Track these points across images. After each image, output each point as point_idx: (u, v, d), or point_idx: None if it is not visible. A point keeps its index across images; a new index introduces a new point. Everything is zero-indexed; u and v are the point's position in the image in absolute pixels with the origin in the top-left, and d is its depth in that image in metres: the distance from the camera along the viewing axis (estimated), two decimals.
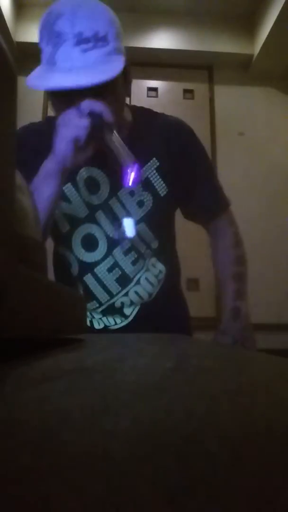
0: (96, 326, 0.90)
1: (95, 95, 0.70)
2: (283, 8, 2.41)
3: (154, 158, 0.85)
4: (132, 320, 0.90)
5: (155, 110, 0.94)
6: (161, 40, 2.84)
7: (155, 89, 2.90)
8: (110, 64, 0.71)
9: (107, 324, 0.90)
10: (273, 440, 0.11)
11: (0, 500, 0.08)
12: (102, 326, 0.90)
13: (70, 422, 0.13)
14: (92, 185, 0.84)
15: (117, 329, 0.90)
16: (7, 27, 2.55)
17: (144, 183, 0.84)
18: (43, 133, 0.82)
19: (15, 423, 0.12)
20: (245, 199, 2.83)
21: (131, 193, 0.84)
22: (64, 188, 0.82)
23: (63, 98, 0.74)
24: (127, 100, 0.85)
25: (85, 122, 0.68)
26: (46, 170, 0.72)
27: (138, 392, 0.17)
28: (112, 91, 0.75)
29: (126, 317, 0.90)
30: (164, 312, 0.93)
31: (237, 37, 2.90)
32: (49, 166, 0.72)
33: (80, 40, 0.69)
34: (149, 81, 2.89)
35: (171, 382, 0.19)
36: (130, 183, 0.71)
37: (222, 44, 2.89)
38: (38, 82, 0.74)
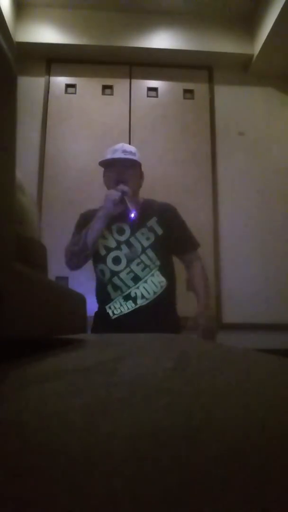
0: (116, 312, 1.53)
1: (125, 181, 1.53)
2: (283, 8, 2.41)
3: (154, 217, 1.59)
4: (138, 308, 1.50)
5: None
6: (161, 40, 2.84)
7: (155, 89, 2.90)
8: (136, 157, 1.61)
9: (123, 310, 1.52)
10: (273, 440, 0.11)
11: (1, 499, 0.08)
12: (118, 312, 1.52)
13: (70, 422, 0.13)
14: (120, 231, 1.58)
15: (127, 313, 1.50)
16: (7, 27, 2.55)
17: (149, 228, 1.57)
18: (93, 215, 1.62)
19: (15, 423, 0.12)
20: (244, 198, 2.83)
21: (142, 233, 1.56)
22: (103, 233, 1.56)
23: (112, 173, 1.57)
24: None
25: (118, 194, 1.49)
26: (98, 216, 1.52)
27: (138, 392, 0.17)
28: (133, 176, 1.58)
29: (136, 304, 1.51)
30: (160, 309, 1.53)
31: (237, 37, 2.90)
32: (100, 214, 1.52)
33: (125, 152, 1.59)
34: (149, 81, 2.88)
35: (171, 382, 0.19)
36: (132, 215, 1.49)
37: (222, 44, 2.89)
38: (106, 157, 1.60)
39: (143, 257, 1.55)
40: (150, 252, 1.56)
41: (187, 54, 2.87)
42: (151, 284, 1.54)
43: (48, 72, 2.88)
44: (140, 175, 1.67)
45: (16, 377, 0.20)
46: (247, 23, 2.90)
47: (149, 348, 0.37)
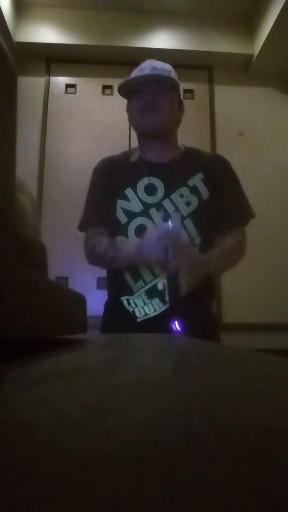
0: (138, 314, 1.08)
1: (155, 108, 1.09)
2: (283, 8, 2.41)
3: (200, 173, 1.13)
4: (168, 309, 1.04)
5: None
6: (161, 40, 2.84)
7: None
8: (168, 74, 1.15)
9: (148, 312, 1.07)
10: (273, 440, 0.11)
11: (0, 499, 0.08)
12: (143, 314, 1.07)
13: (70, 422, 0.13)
14: (150, 190, 1.12)
15: (154, 317, 1.05)
16: (7, 27, 2.54)
17: (192, 189, 1.11)
18: (119, 163, 1.19)
19: (15, 423, 0.12)
20: None
21: (181, 195, 1.10)
22: (125, 191, 1.12)
23: (137, 101, 1.11)
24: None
25: (164, 244, 0.97)
26: (130, 252, 1.04)
27: (138, 392, 0.17)
28: (167, 103, 1.11)
29: (165, 303, 1.05)
30: (196, 309, 1.08)
31: (237, 37, 2.90)
32: (134, 252, 1.03)
33: (155, 69, 1.14)
34: None
35: (171, 382, 0.19)
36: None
37: (222, 44, 2.89)
38: (126, 79, 1.14)
39: (179, 230, 1.06)
40: (189, 224, 1.08)
41: (187, 54, 2.87)
42: None
43: (48, 72, 2.88)
44: (179, 104, 1.18)
45: (16, 377, 0.20)
46: (247, 23, 2.90)
47: (149, 348, 0.37)
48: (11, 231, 0.23)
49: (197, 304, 1.09)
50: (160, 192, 1.11)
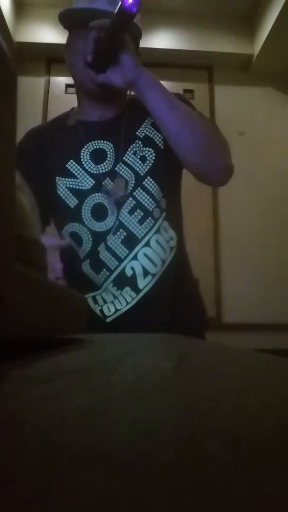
0: (107, 312, 0.86)
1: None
2: (283, 8, 2.41)
3: (148, 118, 0.92)
4: (144, 297, 0.85)
5: None
6: (161, 40, 2.84)
7: None
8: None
9: (118, 307, 0.86)
10: (274, 440, 0.11)
11: (2, 499, 0.08)
12: (113, 310, 0.86)
13: (70, 422, 0.13)
14: (98, 156, 0.89)
15: (128, 310, 0.85)
16: (7, 27, 2.54)
17: (144, 140, 0.90)
18: (50, 132, 0.98)
19: (15, 423, 0.12)
20: (245, 199, 2.82)
21: (134, 152, 0.89)
22: (67, 165, 0.89)
23: (84, 35, 0.85)
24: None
25: (61, 243, 0.79)
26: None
27: (138, 392, 0.17)
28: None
29: (138, 291, 0.85)
30: (178, 293, 0.90)
31: (237, 37, 2.90)
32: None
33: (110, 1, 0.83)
34: None
35: (171, 382, 0.19)
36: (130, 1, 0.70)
37: (222, 44, 2.89)
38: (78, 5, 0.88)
39: (140, 195, 0.86)
40: (150, 184, 0.88)
41: (187, 54, 2.87)
42: (157, 248, 0.86)
43: (48, 72, 2.88)
44: (136, 46, 0.98)
45: (16, 377, 0.20)
46: (247, 23, 2.90)
47: (149, 348, 0.37)
48: (11, 231, 0.24)
49: (173, 285, 0.90)
50: (111, 156, 0.89)
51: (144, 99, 0.84)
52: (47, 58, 2.86)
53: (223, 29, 2.90)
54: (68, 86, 2.87)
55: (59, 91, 2.86)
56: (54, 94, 2.85)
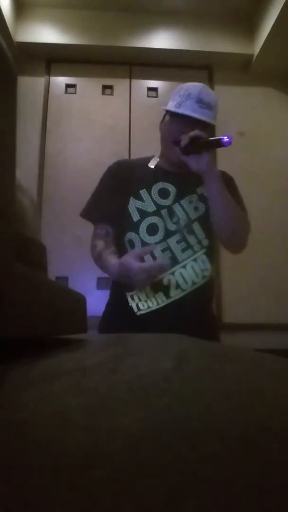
0: (141, 307, 1.15)
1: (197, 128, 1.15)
2: (283, 8, 2.41)
3: None
4: (172, 302, 1.14)
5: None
6: (161, 40, 2.84)
7: (155, 89, 2.89)
8: (212, 119, 1.23)
9: (150, 305, 1.15)
10: (272, 440, 0.11)
11: (2, 498, 0.08)
12: (145, 307, 1.15)
13: (70, 422, 0.13)
14: (163, 193, 1.24)
15: (157, 310, 1.13)
16: (7, 27, 2.54)
17: (200, 197, 1.24)
18: (135, 166, 1.31)
19: (16, 423, 0.12)
20: (245, 199, 2.82)
21: (190, 201, 1.22)
22: (140, 191, 1.23)
23: (181, 123, 1.17)
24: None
25: (155, 267, 1.05)
26: (114, 269, 1.12)
27: (138, 392, 0.17)
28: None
29: (169, 297, 1.15)
30: (198, 307, 1.18)
31: (237, 37, 2.90)
32: (117, 268, 1.10)
33: (200, 102, 1.18)
34: (149, 81, 2.88)
35: (171, 382, 0.19)
36: (226, 139, 1.11)
37: (222, 44, 2.89)
38: (173, 109, 1.19)
39: (187, 233, 1.19)
40: (197, 227, 1.21)
41: (187, 54, 2.87)
42: (191, 272, 1.17)
43: (48, 72, 2.88)
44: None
45: (16, 377, 0.20)
46: (247, 23, 2.90)
47: (149, 348, 0.37)
48: (11, 231, 0.23)
49: (197, 302, 1.18)
50: (172, 196, 1.23)
51: (206, 185, 1.16)
52: (47, 58, 2.86)
53: (223, 29, 2.90)
54: (68, 86, 2.87)
55: (59, 91, 2.86)
56: (54, 94, 2.85)
